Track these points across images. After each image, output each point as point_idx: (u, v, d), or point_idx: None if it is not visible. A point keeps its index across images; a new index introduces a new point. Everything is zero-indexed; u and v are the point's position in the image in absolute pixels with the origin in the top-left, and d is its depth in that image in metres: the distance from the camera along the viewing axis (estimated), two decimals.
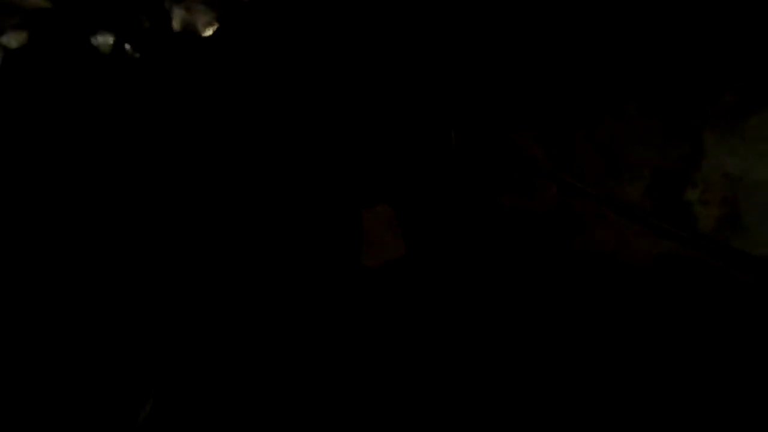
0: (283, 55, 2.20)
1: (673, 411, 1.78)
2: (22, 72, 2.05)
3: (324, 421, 1.64)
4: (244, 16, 2.21)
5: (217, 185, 2.05)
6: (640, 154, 2.12)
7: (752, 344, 1.83)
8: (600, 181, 2.18)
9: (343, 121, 2.24)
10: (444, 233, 2.19)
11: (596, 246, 2.17)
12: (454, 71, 2.37)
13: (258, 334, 1.77)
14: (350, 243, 1.90)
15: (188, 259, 1.86)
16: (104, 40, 2.13)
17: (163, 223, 1.96)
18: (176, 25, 2.21)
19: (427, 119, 2.30)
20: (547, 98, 2.30)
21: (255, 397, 1.67)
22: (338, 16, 2.27)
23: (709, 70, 1.96)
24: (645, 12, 2.10)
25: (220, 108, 2.16)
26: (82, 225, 1.90)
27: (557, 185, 2.25)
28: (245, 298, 1.82)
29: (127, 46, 2.15)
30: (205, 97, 2.14)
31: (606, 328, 1.97)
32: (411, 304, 1.93)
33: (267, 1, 2.19)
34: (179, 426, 1.63)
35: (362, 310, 1.82)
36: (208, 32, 2.18)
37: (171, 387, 1.64)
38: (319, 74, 2.26)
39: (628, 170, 2.14)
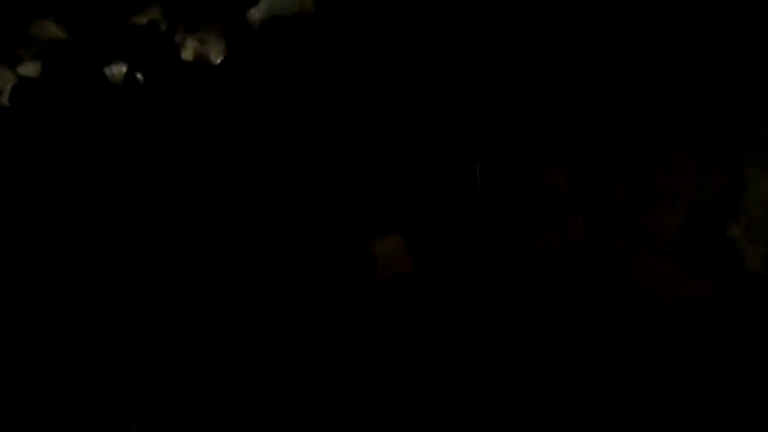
0: (296, 83, 2.22)
1: None
2: (35, 99, 2.11)
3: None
4: (254, 44, 2.25)
5: (231, 214, 2.05)
6: (673, 185, 2.02)
7: None
8: (630, 215, 2.08)
9: (362, 151, 2.22)
10: (461, 268, 2.11)
11: (628, 286, 2.04)
12: (477, 101, 2.34)
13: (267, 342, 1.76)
14: (361, 263, 1.89)
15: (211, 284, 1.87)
16: (118, 69, 2.20)
17: (177, 250, 1.96)
18: (189, 55, 2.27)
19: (451, 152, 2.26)
20: (571, 126, 2.23)
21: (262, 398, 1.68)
22: (355, 44, 2.29)
23: (749, 93, 1.87)
24: (676, 34, 2.05)
25: (233, 137, 2.17)
26: (93, 242, 1.91)
27: (584, 219, 2.15)
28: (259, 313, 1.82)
29: (139, 76, 2.21)
30: (217, 125, 2.16)
31: (641, 373, 1.82)
32: (421, 325, 1.87)
33: (278, 29, 2.23)
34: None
35: (368, 319, 1.79)
36: (220, 62, 2.24)
37: (171, 390, 1.65)
38: (335, 104, 2.26)
39: (660, 203, 2.04)
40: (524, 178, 2.25)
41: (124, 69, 2.22)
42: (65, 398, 1.61)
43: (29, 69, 2.18)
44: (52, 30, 2.22)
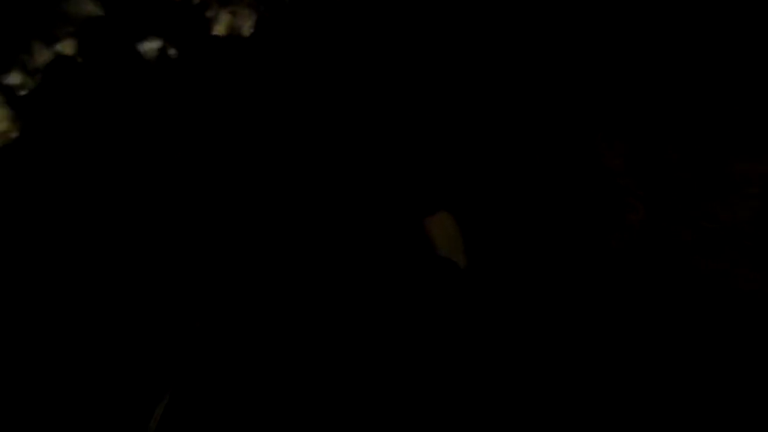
0: (335, 57, 2.16)
1: None
2: (71, 78, 2.16)
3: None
4: (286, 15, 2.21)
5: (268, 189, 2.03)
6: (746, 166, 1.84)
7: None
8: (698, 202, 1.91)
9: (405, 126, 2.14)
10: (515, 259, 2.01)
11: (695, 279, 1.88)
12: (531, 79, 2.21)
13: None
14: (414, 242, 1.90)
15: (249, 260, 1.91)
16: (150, 45, 2.21)
17: (209, 225, 1.97)
18: (222, 29, 2.26)
19: (506, 133, 2.15)
20: (632, 104, 2.07)
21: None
22: (402, 20, 2.19)
23: None
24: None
25: (274, 111, 2.14)
26: (119, 224, 1.94)
27: (645, 206, 2.00)
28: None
29: (172, 51, 2.21)
30: (252, 99, 2.14)
31: (714, 379, 1.69)
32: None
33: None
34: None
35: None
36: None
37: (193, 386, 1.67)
38: (378, 80, 2.18)
39: (732, 189, 1.87)
40: (580, 160, 2.11)
41: (156, 45, 2.23)
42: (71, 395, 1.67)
43: (66, 47, 2.22)
44: (89, 7, 2.25)
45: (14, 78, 2.15)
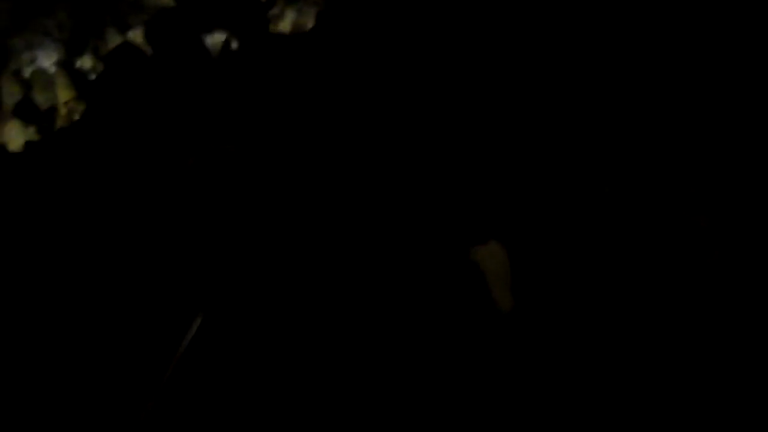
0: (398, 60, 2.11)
1: None
2: (137, 68, 2.22)
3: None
4: (346, 13, 2.19)
5: (318, 194, 2.00)
6: None
7: None
8: None
9: (464, 140, 2.05)
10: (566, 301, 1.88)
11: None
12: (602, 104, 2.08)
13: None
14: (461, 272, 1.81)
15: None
16: (218, 38, 2.24)
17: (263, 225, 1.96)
18: (286, 26, 2.26)
19: (575, 161, 2.03)
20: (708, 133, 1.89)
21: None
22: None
23: None
24: None
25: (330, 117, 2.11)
26: (185, 220, 1.96)
27: (720, 250, 1.84)
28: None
29: (234, 45, 2.24)
30: (311, 100, 2.12)
31: None
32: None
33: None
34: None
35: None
36: None
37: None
38: (442, 87, 2.10)
39: None
40: (646, 201, 1.96)
41: (222, 38, 2.27)
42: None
43: (138, 36, 2.31)
44: None
45: (86, 62, 2.25)
